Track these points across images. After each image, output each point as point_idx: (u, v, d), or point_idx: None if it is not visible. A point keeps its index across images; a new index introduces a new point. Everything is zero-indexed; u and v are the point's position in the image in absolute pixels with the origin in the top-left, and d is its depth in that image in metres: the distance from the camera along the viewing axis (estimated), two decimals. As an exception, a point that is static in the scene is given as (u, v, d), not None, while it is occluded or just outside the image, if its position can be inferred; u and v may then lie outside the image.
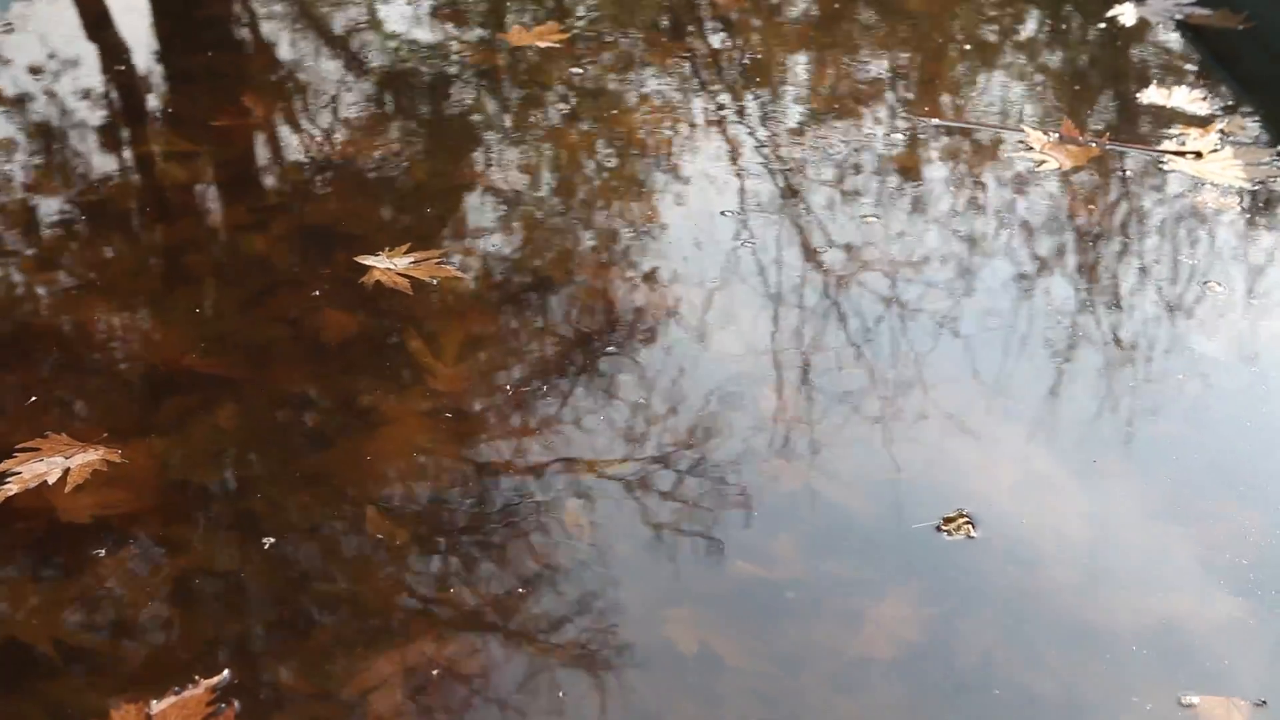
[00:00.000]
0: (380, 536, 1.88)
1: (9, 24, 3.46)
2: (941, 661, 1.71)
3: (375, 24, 3.50)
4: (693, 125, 2.97)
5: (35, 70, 3.21)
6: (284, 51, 3.38)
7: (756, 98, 3.09)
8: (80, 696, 1.66)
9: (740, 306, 2.36)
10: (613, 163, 2.83)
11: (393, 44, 3.38)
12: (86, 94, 3.12)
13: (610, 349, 2.26)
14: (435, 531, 1.91)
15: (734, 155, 2.84)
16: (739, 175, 2.76)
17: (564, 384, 2.18)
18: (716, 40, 3.41)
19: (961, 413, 2.11)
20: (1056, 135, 2.83)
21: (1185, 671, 1.69)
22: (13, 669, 1.70)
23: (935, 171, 2.76)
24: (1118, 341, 2.27)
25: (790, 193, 2.69)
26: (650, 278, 2.44)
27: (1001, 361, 2.23)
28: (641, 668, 1.71)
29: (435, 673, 1.69)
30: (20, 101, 3.07)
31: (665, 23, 3.54)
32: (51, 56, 3.28)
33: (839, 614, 1.77)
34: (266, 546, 1.87)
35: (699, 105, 3.06)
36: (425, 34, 3.45)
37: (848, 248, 2.51)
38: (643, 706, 1.66)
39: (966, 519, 1.88)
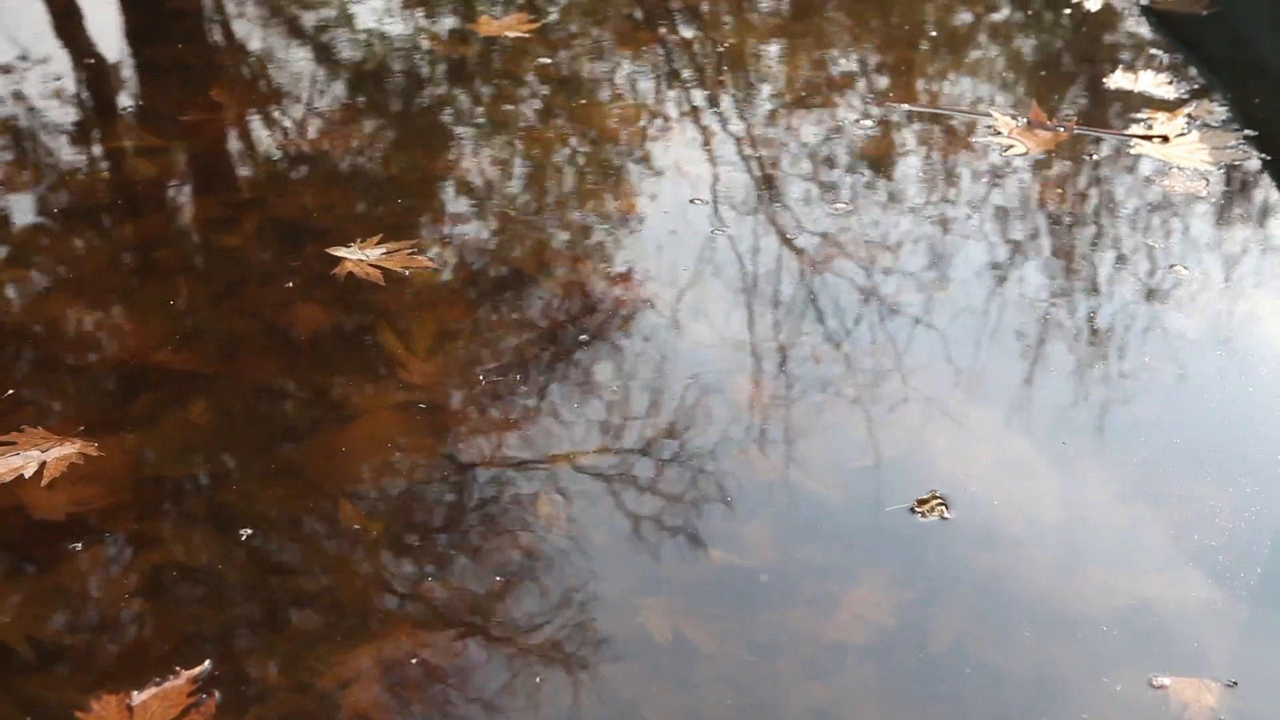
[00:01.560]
0: (355, 529, 1.89)
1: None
2: (915, 644, 1.72)
3: (346, 18, 3.50)
4: (664, 115, 2.97)
5: (3, 69, 3.20)
6: (253, 44, 3.37)
7: (728, 85, 3.10)
8: (59, 691, 1.66)
9: (714, 296, 2.37)
10: (584, 153, 2.83)
11: (362, 37, 3.38)
12: (54, 88, 3.10)
13: (584, 338, 2.26)
14: (410, 524, 1.91)
15: (706, 142, 2.84)
16: (711, 162, 2.76)
17: (537, 374, 2.19)
18: (688, 31, 3.41)
19: (937, 398, 2.13)
20: (1025, 120, 2.85)
21: (1157, 653, 1.71)
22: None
23: (905, 156, 2.77)
24: (1089, 325, 2.29)
25: (764, 179, 2.69)
26: (622, 267, 2.44)
27: (974, 348, 2.24)
28: (617, 657, 1.72)
29: (413, 664, 1.70)
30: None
31: (637, 14, 3.54)
32: (22, 57, 3.26)
33: (813, 599, 1.78)
34: (243, 538, 1.87)
35: (670, 95, 3.06)
36: (396, 25, 3.45)
37: (821, 235, 2.52)
38: (619, 695, 1.67)
39: (940, 500, 1.89)
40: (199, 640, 1.73)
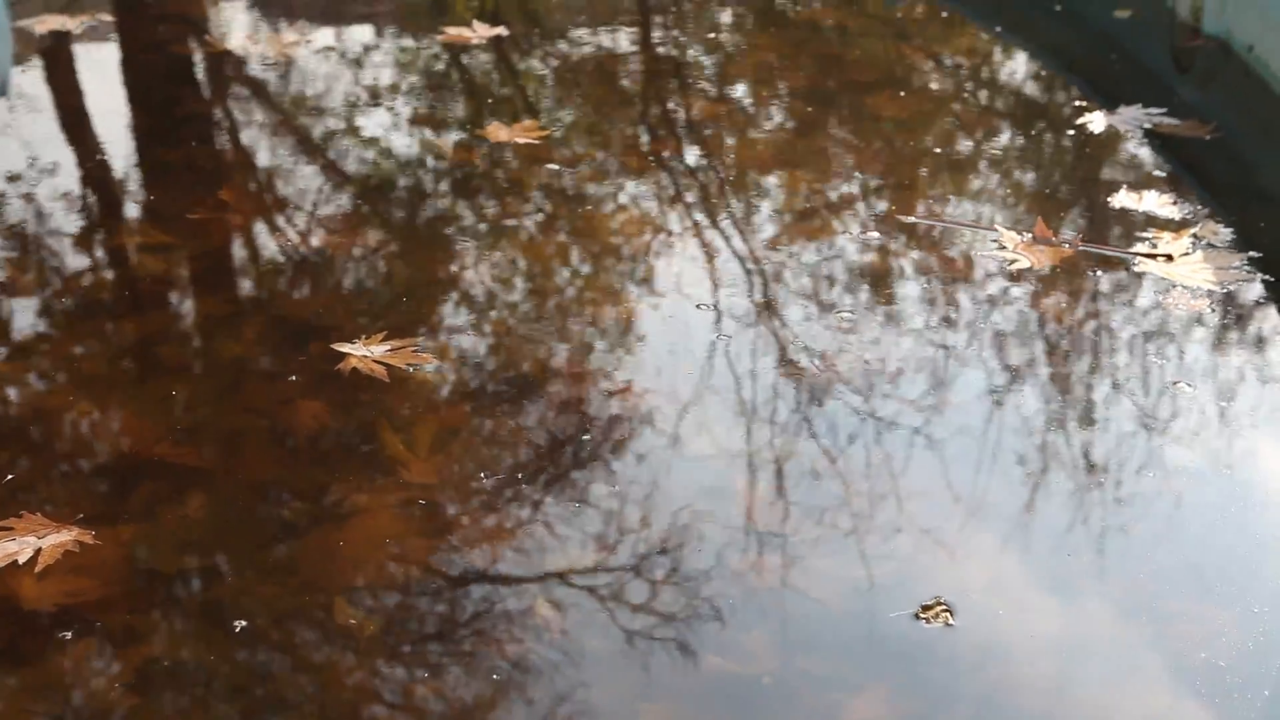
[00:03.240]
0: (350, 626, 1.86)
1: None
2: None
3: (353, 130, 3.54)
4: (668, 230, 2.99)
5: (12, 178, 3.23)
6: (261, 146, 3.40)
7: (732, 198, 3.12)
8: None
9: (716, 408, 2.36)
10: (589, 260, 2.85)
11: (371, 148, 3.41)
12: (63, 188, 3.13)
13: (584, 442, 2.25)
14: (405, 625, 1.89)
15: (709, 255, 2.85)
16: (713, 274, 2.77)
17: (539, 477, 2.17)
18: (693, 154, 3.45)
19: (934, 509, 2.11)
20: (1030, 236, 2.86)
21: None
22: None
23: (911, 271, 2.78)
24: (1089, 444, 2.28)
25: (766, 284, 2.71)
26: (624, 374, 2.44)
27: (976, 467, 2.23)
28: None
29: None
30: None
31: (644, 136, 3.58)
32: (31, 162, 3.29)
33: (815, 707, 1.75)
34: (236, 630, 1.84)
35: (675, 209, 3.09)
36: (403, 139, 3.49)
37: (822, 353, 2.52)
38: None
39: (945, 607, 1.87)
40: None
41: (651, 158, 3.31)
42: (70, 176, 3.19)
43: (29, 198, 3.05)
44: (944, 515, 2.10)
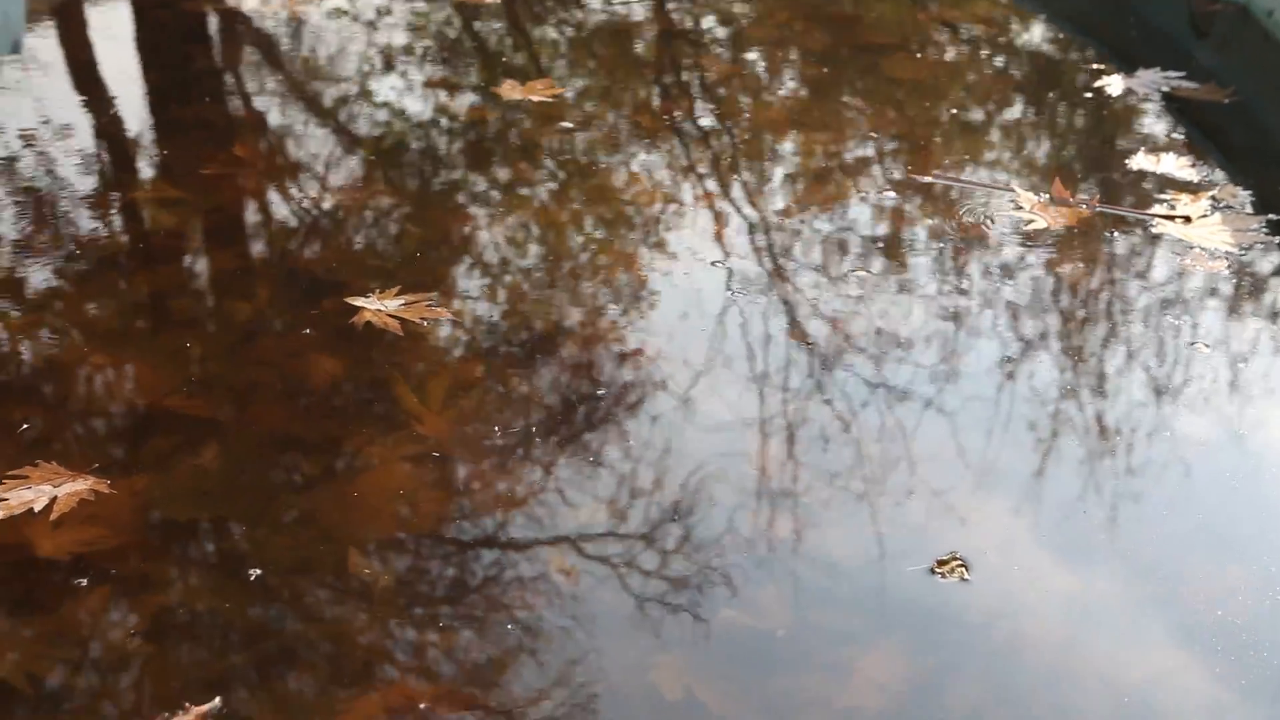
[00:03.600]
0: (364, 577, 1.85)
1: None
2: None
3: (366, 93, 3.52)
4: (684, 182, 2.97)
5: (25, 135, 3.21)
6: (273, 105, 3.39)
7: (747, 160, 3.10)
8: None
9: (732, 361, 2.35)
10: (604, 219, 2.83)
11: (384, 109, 3.40)
12: (77, 145, 3.11)
13: (599, 395, 2.24)
14: (419, 576, 1.88)
15: (724, 214, 2.84)
16: (727, 236, 2.76)
17: (553, 429, 2.16)
18: (707, 112, 3.43)
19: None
20: (1047, 196, 2.84)
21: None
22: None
23: (927, 228, 2.76)
24: (1103, 399, 2.27)
25: (782, 246, 2.69)
26: (637, 324, 2.43)
27: (992, 424, 2.22)
28: (626, 715, 1.68)
29: (421, 708, 1.66)
30: (10, 161, 3.07)
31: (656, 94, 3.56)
32: (45, 120, 3.28)
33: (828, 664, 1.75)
34: (252, 578, 1.84)
35: (690, 161, 3.07)
36: (415, 97, 3.47)
37: (833, 316, 2.51)
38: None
39: (960, 562, 1.86)
40: (205, 681, 1.69)
41: (666, 117, 3.29)
42: (84, 132, 3.17)
43: (43, 155, 3.04)
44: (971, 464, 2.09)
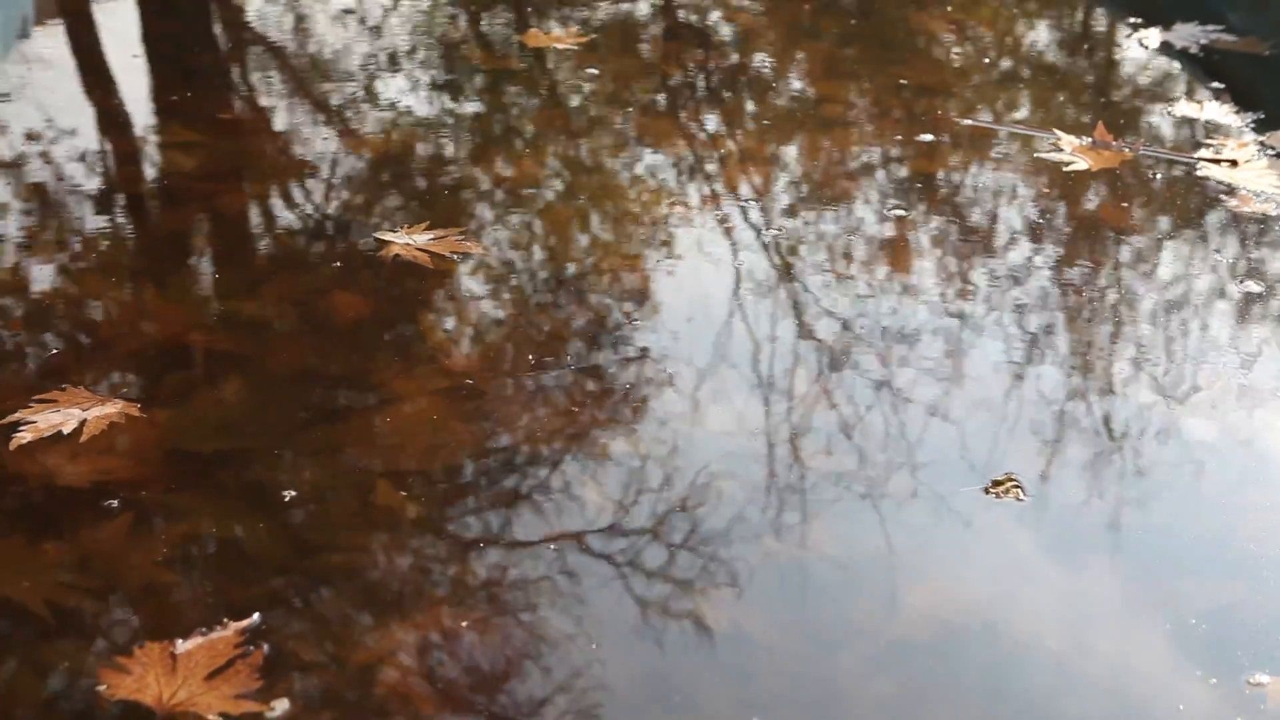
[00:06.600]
0: (392, 506, 1.79)
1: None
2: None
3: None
4: (711, 132, 2.91)
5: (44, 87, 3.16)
6: (294, 47, 3.33)
7: (783, 97, 3.04)
8: (108, 639, 1.56)
9: (764, 287, 2.29)
10: (630, 159, 2.77)
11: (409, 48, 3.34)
12: (91, 89, 3.06)
13: (627, 332, 2.18)
14: (450, 503, 1.82)
15: (760, 159, 2.78)
16: (766, 176, 2.70)
17: (584, 362, 2.10)
18: (741, 68, 3.37)
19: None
20: (1089, 140, 2.77)
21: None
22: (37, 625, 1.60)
23: (970, 171, 2.70)
24: (1143, 340, 2.21)
25: (824, 188, 2.63)
26: (667, 263, 2.37)
27: (1028, 358, 2.16)
28: (674, 639, 1.62)
29: (456, 632, 1.60)
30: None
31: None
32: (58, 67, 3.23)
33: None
34: (286, 500, 1.78)
35: (714, 110, 3.01)
36: (440, 43, 3.41)
37: (884, 239, 2.45)
38: (669, 684, 1.57)
39: (1015, 483, 1.79)
40: (233, 601, 1.63)
41: (694, 66, 3.23)
42: (101, 80, 3.12)
43: (63, 100, 2.98)
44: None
